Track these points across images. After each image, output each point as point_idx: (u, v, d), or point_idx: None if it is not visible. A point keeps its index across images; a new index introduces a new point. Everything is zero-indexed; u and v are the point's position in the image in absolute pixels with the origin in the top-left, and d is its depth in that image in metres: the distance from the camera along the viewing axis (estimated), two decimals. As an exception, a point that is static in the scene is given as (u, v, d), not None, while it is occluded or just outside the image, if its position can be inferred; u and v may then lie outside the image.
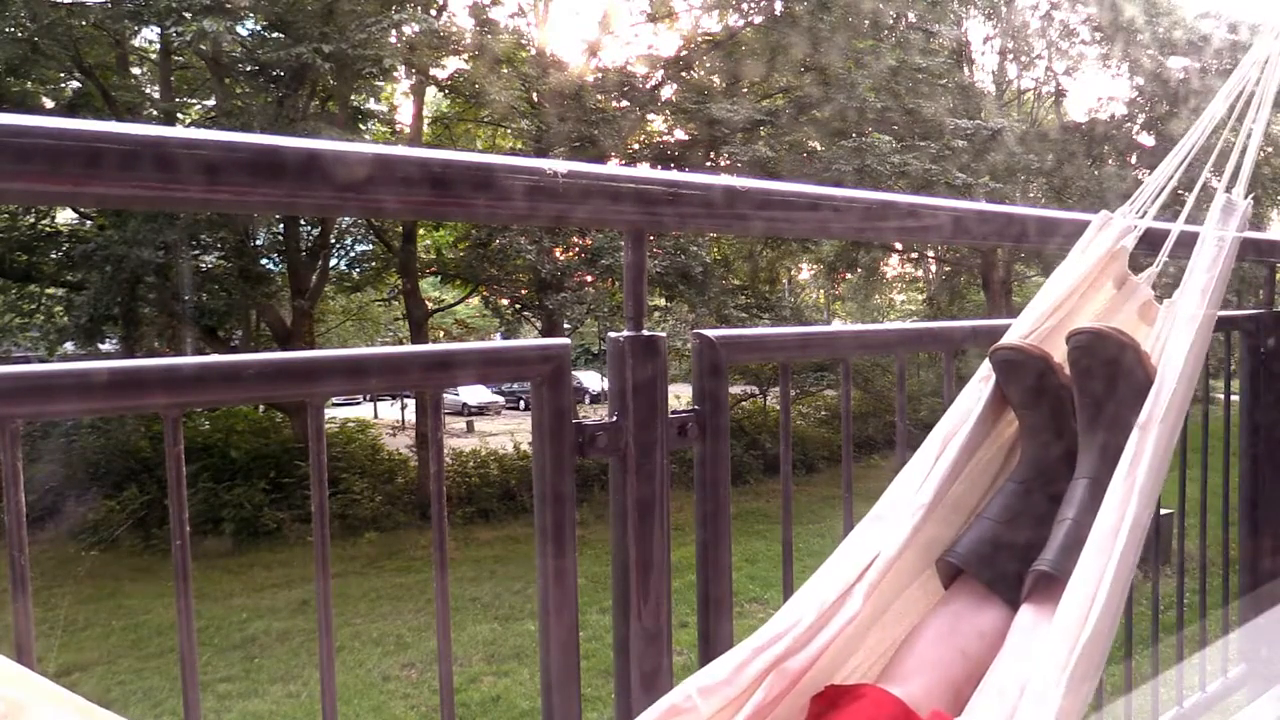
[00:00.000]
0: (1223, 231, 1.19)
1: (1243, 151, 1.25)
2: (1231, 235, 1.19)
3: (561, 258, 14.06)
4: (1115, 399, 1.06)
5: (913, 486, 1.08)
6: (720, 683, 0.87)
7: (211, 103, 13.89)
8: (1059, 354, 1.13)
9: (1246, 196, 1.22)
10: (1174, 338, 1.09)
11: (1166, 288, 1.26)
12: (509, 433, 16.64)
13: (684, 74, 16.05)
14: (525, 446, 14.44)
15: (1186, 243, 1.24)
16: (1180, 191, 1.31)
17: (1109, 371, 1.06)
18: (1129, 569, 0.92)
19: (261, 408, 13.53)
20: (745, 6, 15.87)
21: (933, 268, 23.16)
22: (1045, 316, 1.20)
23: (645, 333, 1.09)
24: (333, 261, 15.61)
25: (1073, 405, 1.10)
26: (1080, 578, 0.91)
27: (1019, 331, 1.19)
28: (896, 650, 1.01)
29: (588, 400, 22.63)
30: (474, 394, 25.72)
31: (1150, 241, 1.29)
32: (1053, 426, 1.11)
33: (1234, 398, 2.52)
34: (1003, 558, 1.04)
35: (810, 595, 0.97)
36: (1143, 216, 1.28)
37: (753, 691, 0.87)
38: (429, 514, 1.49)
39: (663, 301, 15.21)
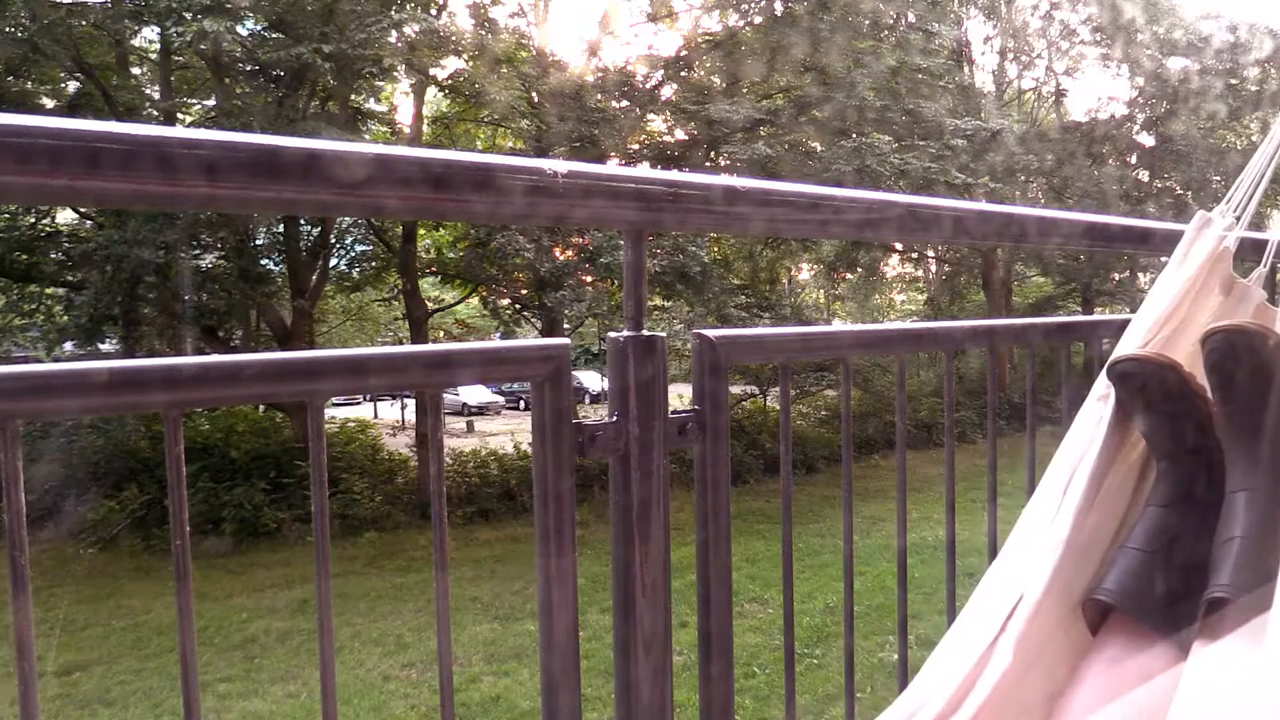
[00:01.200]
0: None
1: None
2: None
3: (561, 257, 14.06)
4: (1268, 401, 0.96)
5: (1044, 523, 1.00)
6: None
7: (211, 103, 13.89)
8: (1184, 361, 1.05)
9: None
10: None
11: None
12: (509, 433, 16.64)
13: (684, 74, 16.05)
14: (525, 446, 14.44)
15: None
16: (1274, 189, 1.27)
17: (1257, 371, 0.97)
18: None
19: (261, 408, 13.54)
20: (745, 6, 15.87)
21: (933, 268, 23.17)
22: (1159, 325, 1.12)
23: (645, 333, 1.09)
24: (333, 261, 15.63)
25: (1209, 415, 1.01)
26: None
27: (1134, 342, 1.11)
28: (1056, 706, 0.91)
29: (588, 400, 22.63)
30: (474, 394, 25.73)
31: (1244, 242, 1.23)
32: (1190, 439, 1.02)
33: None
34: (1159, 590, 0.94)
35: (953, 651, 0.90)
36: (1239, 217, 1.21)
37: None
38: (429, 514, 1.49)
39: (662, 301, 15.21)
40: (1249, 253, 1.26)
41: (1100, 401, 1.10)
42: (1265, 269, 1.23)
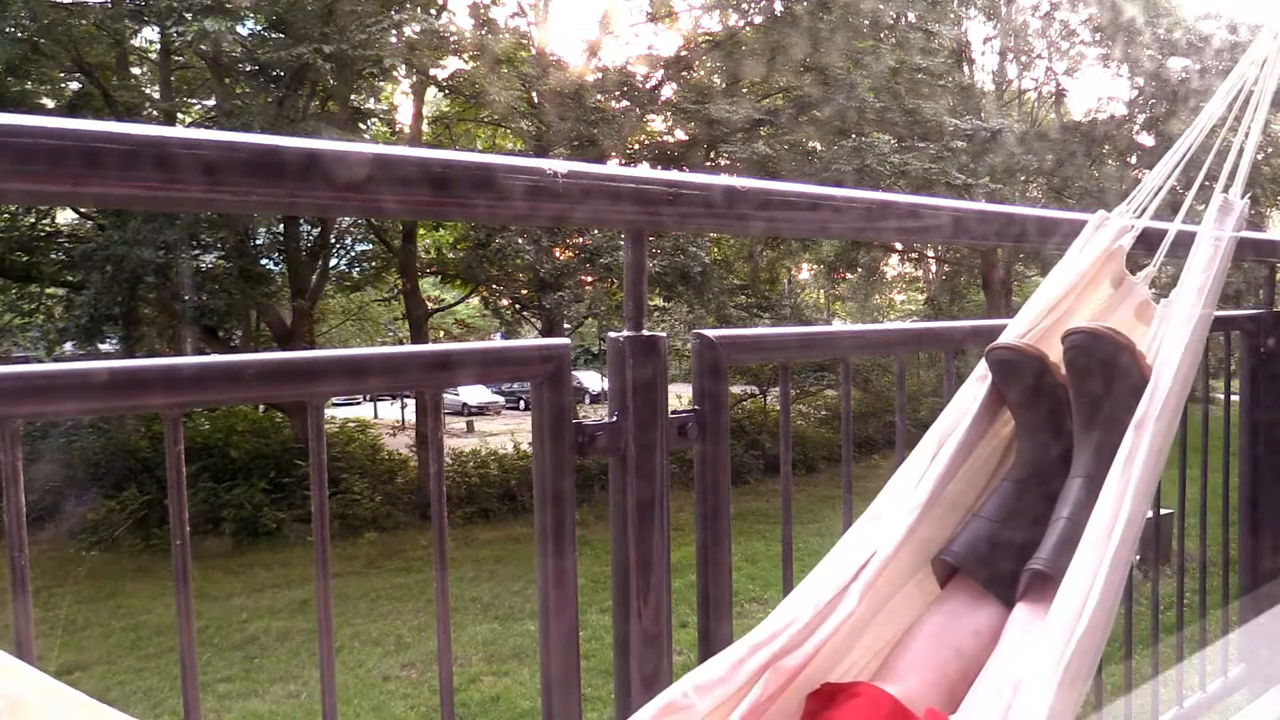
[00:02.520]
0: (1219, 231, 1.19)
1: (1240, 151, 1.24)
2: (1228, 235, 1.19)
3: (561, 258, 14.07)
4: (1111, 398, 1.05)
5: (909, 486, 1.08)
6: (716, 680, 0.87)
7: (211, 103, 13.89)
8: (1055, 354, 1.13)
9: (1244, 196, 1.22)
10: (1170, 337, 1.09)
11: (1164, 287, 1.26)
12: (509, 433, 16.64)
13: (684, 74, 16.06)
14: (525, 446, 14.44)
15: (1184, 242, 1.24)
16: (1178, 191, 1.31)
17: (1105, 371, 1.06)
18: (1124, 567, 0.92)
19: (261, 408, 13.54)
20: (745, 6, 15.87)
21: (933, 268, 23.17)
22: (1041, 316, 1.19)
23: (645, 333, 1.09)
24: (333, 261, 15.62)
25: (1069, 405, 1.10)
26: (1074, 576, 0.91)
27: (1015, 331, 1.19)
28: (892, 649, 1.01)
29: (588, 400, 22.62)
30: (474, 394, 25.72)
31: (1148, 241, 1.29)
32: (1049, 426, 1.11)
33: (1234, 398, 2.51)
34: (998, 557, 1.04)
35: (807, 593, 0.97)
36: (1140, 216, 1.28)
37: (749, 689, 0.87)
38: (429, 514, 1.50)
39: (662, 301, 15.22)
40: (1152, 250, 1.30)
41: (978, 382, 1.17)
42: (1153, 269, 1.28)
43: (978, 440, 1.13)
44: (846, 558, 1.01)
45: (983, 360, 1.17)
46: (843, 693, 0.92)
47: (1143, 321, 1.20)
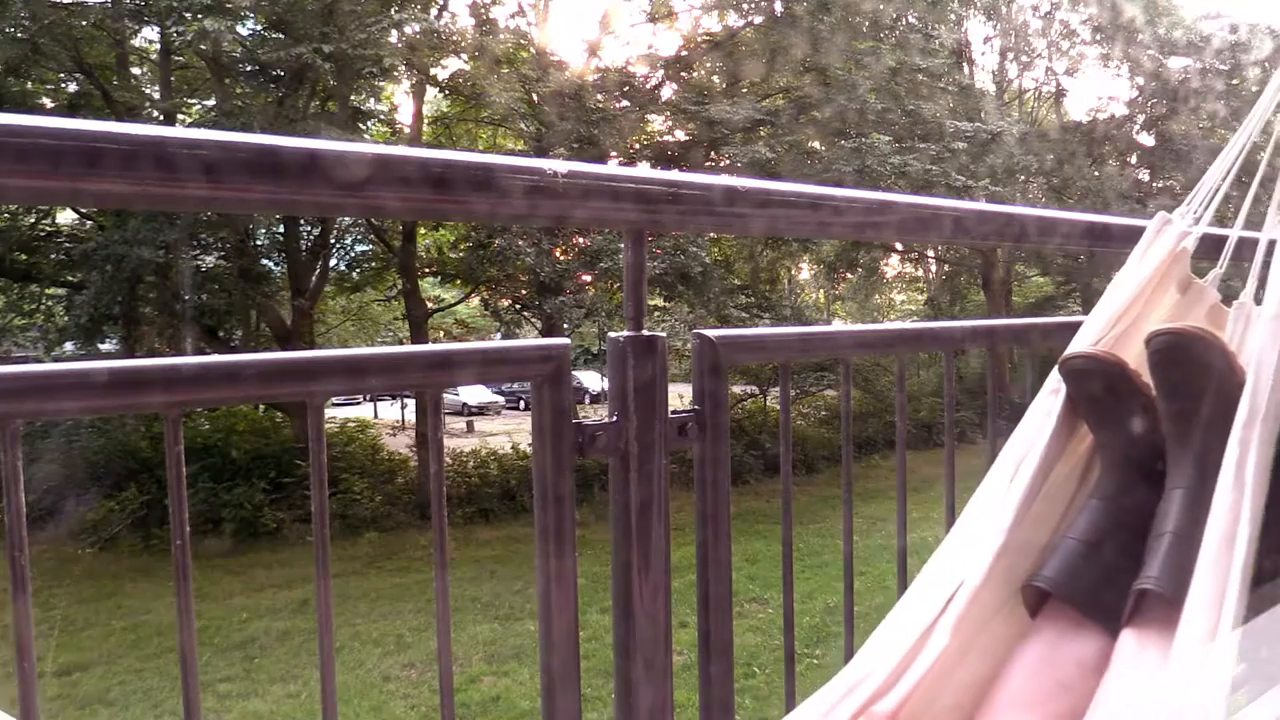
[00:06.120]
0: None
1: None
2: None
3: (561, 258, 14.07)
4: (1206, 401, 0.98)
5: (989, 510, 1.03)
6: None
7: (211, 103, 13.89)
8: (1132, 360, 1.08)
9: None
10: (1258, 336, 1.02)
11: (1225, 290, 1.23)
12: (509, 433, 16.64)
13: (684, 74, 16.06)
14: (525, 446, 14.44)
15: (1247, 243, 1.21)
16: (1232, 193, 1.28)
17: (1198, 373, 0.99)
18: (1248, 578, 0.86)
19: (261, 408, 13.53)
20: (745, 6, 15.87)
21: (933, 268, 23.17)
22: (1111, 324, 1.14)
23: (645, 333, 1.09)
24: (333, 261, 15.62)
25: (1155, 412, 1.04)
26: (1199, 594, 0.85)
27: (1086, 339, 1.14)
28: (989, 687, 0.95)
29: (588, 400, 22.62)
30: (474, 394, 25.72)
31: (1208, 243, 1.25)
32: (1135, 436, 1.05)
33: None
34: (1096, 579, 0.97)
35: (894, 630, 0.93)
36: (1199, 218, 1.23)
37: None
38: (429, 514, 1.50)
39: (663, 302, 15.22)
40: (1210, 253, 1.27)
41: (1052, 395, 1.12)
42: (1221, 270, 1.24)
43: (1056, 457, 1.08)
44: (931, 591, 0.96)
45: (1054, 372, 1.12)
46: None
47: (1216, 326, 1.14)
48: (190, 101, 14.59)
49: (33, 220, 13.22)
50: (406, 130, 15.68)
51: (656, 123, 16.48)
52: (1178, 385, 1.01)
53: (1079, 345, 1.13)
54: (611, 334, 1.08)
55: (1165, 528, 0.95)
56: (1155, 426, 1.04)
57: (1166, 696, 0.81)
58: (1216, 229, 1.27)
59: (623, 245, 1.10)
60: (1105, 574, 0.97)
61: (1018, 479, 1.05)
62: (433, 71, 14.30)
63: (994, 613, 0.98)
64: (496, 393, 26.77)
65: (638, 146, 15.86)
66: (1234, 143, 1.24)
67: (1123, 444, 1.05)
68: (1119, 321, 1.15)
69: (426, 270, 16.04)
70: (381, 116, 15.76)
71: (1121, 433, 1.06)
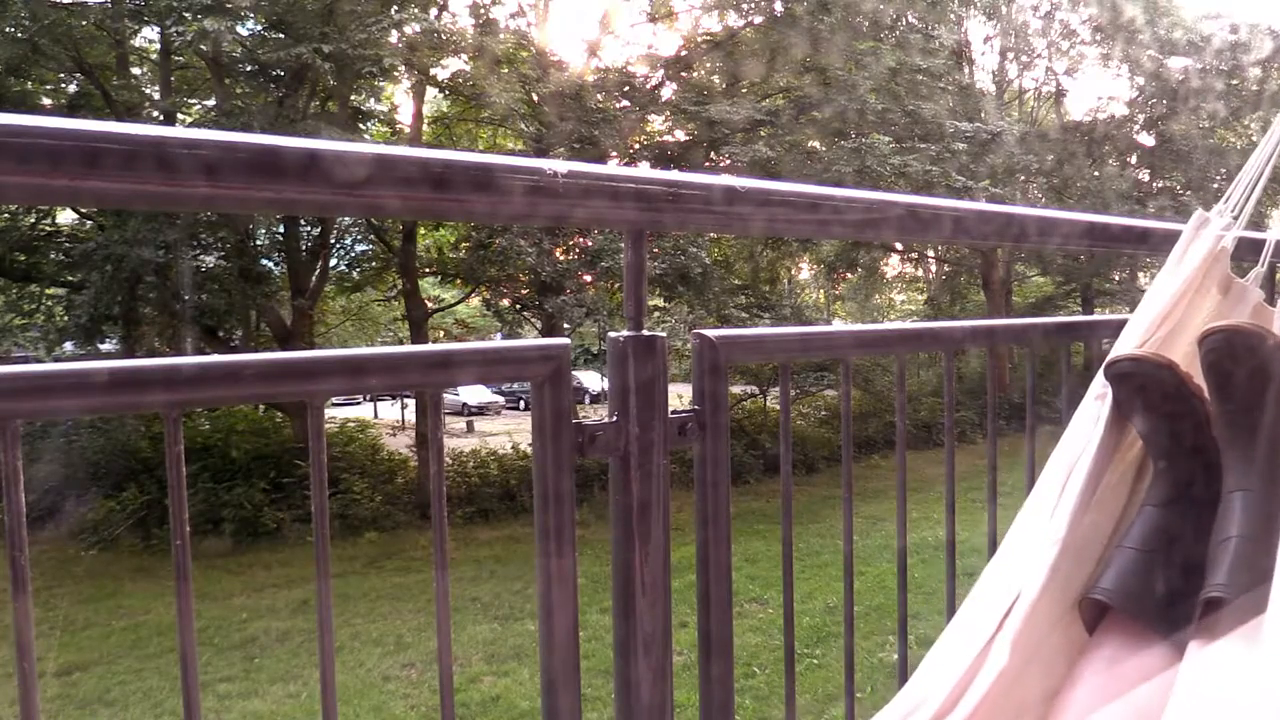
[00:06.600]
0: None
1: None
2: None
3: (562, 258, 14.07)
4: (1265, 400, 0.95)
5: (1041, 522, 1.00)
6: None
7: (211, 103, 13.89)
8: (1181, 361, 1.05)
9: None
10: None
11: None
12: (509, 433, 16.64)
13: (684, 74, 16.06)
14: (525, 446, 14.44)
15: None
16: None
17: (1257, 372, 0.96)
18: None
19: (261, 408, 13.54)
20: (745, 6, 15.87)
21: (933, 268, 23.17)
22: (1155, 326, 1.11)
23: (645, 333, 1.09)
24: (333, 261, 15.62)
25: (1206, 414, 1.01)
26: None
27: (1131, 342, 1.11)
28: (1053, 705, 0.91)
29: (588, 400, 22.63)
30: (474, 394, 25.72)
31: (1246, 242, 1.23)
32: (1188, 439, 1.01)
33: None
34: (1157, 589, 0.94)
35: (949, 649, 0.90)
36: (1237, 215, 1.21)
37: None
38: (429, 514, 1.49)
39: (663, 302, 15.22)
40: (1247, 252, 1.25)
41: (1098, 400, 1.09)
42: (1263, 269, 1.22)
43: (1106, 464, 1.05)
44: (986, 605, 0.93)
45: (1098, 377, 1.10)
46: None
47: (1263, 324, 1.11)
48: (190, 101, 14.59)
49: (33, 220, 13.22)
50: (406, 130, 15.69)
51: (656, 123, 16.48)
52: (1233, 384, 0.98)
53: (1124, 347, 1.10)
54: (611, 334, 1.08)
55: (1229, 532, 0.91)
56: (1208, 428, 1.01)
57: (1260, 698, 0.77)
58: (1253, 232, 1.24)
59: (623, 245, 1.10)
60: (1167, 583, 0.94)
61: (1069, 488, 1.02)
62: (433, 71, 14.30)
63: (1051, 627, 0.95)
64: (496, 393, 26.78)
65: (638, 146, 15.86)
66: (1270, 136, 1.22)
67: (1177, 447, 1.02)
68: (1163, 323, 1.12)
69: (427, 270, 16.05)
70: (381, 116, 15.77)
71: (1173, 436, 1.02)
